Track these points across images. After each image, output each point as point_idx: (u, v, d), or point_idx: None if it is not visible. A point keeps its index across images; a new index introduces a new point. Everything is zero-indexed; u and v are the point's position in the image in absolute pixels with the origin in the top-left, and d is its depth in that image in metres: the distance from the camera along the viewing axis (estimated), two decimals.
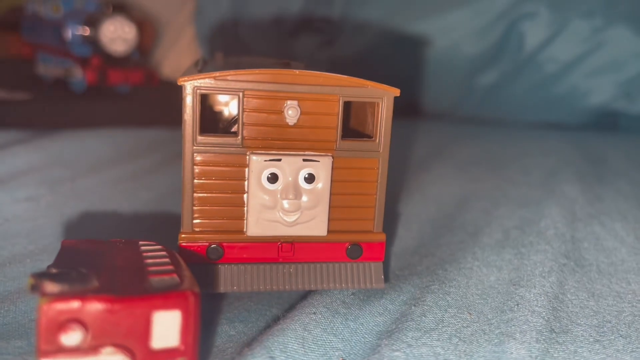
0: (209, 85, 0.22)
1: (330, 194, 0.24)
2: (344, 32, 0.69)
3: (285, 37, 0.72)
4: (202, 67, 0.26)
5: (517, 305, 0.23)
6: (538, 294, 0.23)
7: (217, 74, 0.22)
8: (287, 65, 0.26)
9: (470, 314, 0.22)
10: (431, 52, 0.65)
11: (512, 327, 0.21)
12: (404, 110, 0.65)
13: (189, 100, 0.22)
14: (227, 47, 0.72)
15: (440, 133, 0.58)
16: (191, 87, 0.22)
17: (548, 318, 0.22)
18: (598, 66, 0.61)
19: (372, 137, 0.24)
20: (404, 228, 0.33)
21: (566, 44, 0.61)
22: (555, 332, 0.21)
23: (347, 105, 0.24)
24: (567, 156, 0.49)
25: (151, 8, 0.80)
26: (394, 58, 0.68)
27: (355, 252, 0.24)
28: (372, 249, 0.25)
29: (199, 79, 0.22)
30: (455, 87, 0.67)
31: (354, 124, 0.27)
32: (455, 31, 0.64)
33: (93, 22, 0.64)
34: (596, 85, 0.62)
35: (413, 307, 0.23)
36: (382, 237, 0.25)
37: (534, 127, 0.63)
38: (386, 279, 0.25)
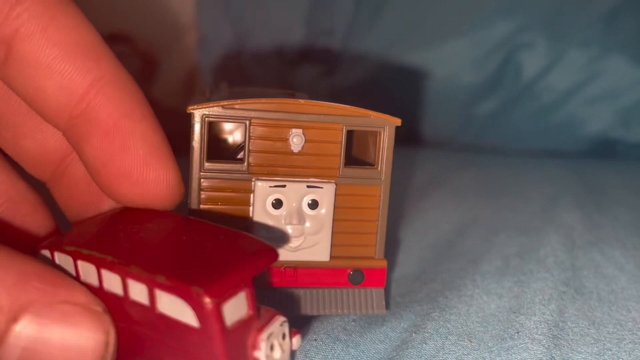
0: (217, 113, 0.23)
1: (333, 220, 0.24)
2: (344, 62, 0.71)
3: (286, 66, 0.73)
4: (209, 95, 0.26)
5: (518, 333, 0.23)
6: (538, 321, 0.24)
7: (225, 102, 0.23)
8: (291, 95, 0.27)
9: (470, 341, 0.23)
10: (430, 82, 0.66)
11: (513, 355, 0.21)
12: (404, 138, 0.66)
13: (197, 127, 0.23)
14: (230, 76, 0.73)
15: (439, 161, 0.59)
16: (199, 115, 0.23)
17: (548, 346, 0.22)
18: (595, 95, 0.62)
19: (374, 165, 0.25)
20: (405, 255, 0.33)
21: (563, 74, 0.62)
22: None
23: (350, 134, 0.24)
24: (566, 184, 0.50)
25: (154, 38, 0.81)
26: (394, 87, 0.69)
27: (357, 278, 0.25)
28: (373, 275, 0.25)
29: (207, 107, 0.22)
30: (454, 116, 0.67)
31: (355, 152, 0.27)
32: (454, 61, 0.66)
33: None
34: (594, 113, 0.62)
35: (414, 335, 0.23)
36: (384, 263, 0.25)
37: (532, 155, 0.64)
38: (387, 306, 0.26)
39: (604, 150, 0.63)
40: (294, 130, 0.23)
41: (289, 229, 0.24)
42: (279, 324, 0.17)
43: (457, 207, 0.42)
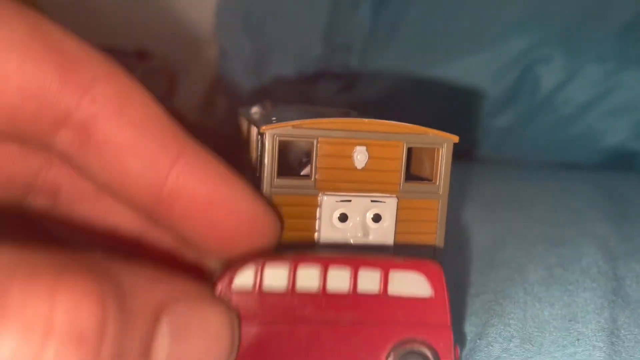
0: (286, 132, 0.24)
1: (395, 233, 0.25)
2: (362, 77, 0.72)
3: (305, 81, 0.74)
4: (271, 114, 0.27)
5: (577, 340, 0.24)
6: (595, 329, 0.24)
7: (294, 122, 0.24)
8: (347, 114, 0.28)
9: (532, 345, 0.23)
10: (448, 95, 0.68)
11: None
12: None
13: (268, 146, 0.24)
14: (252, 92, 0.75)
15: (461, 173, 0.60)
16: (271, 135, 0.24)
17: (609, 353, 0.23)
18: (612, 108, 0.63)
19: (430, 180, 0.26)
20: (446, 267, 0.34)
21: (580, 87, 0.64)
22: None
23: (409, 150, 0.25)
24: (589, 195, 0.51)
25: (174, 54, 0.83)
26: (412, 102, 0.70)
27: None
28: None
29: (278, 127, 0.24)
30: (472, 129, 0.69)
31: (412, 167, 0.28)
32: (472, 75, 0.67)
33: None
34: (611, 126, 0.64)
35: (478, 341, 0.24)
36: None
37: (551, 167, 0.65)
38: None
39: (621, 163, 0.65)
40: (358, 147, 0.24)
41: (352, 242, 0.25)
42: None
43: (487, 219, 0.43)
